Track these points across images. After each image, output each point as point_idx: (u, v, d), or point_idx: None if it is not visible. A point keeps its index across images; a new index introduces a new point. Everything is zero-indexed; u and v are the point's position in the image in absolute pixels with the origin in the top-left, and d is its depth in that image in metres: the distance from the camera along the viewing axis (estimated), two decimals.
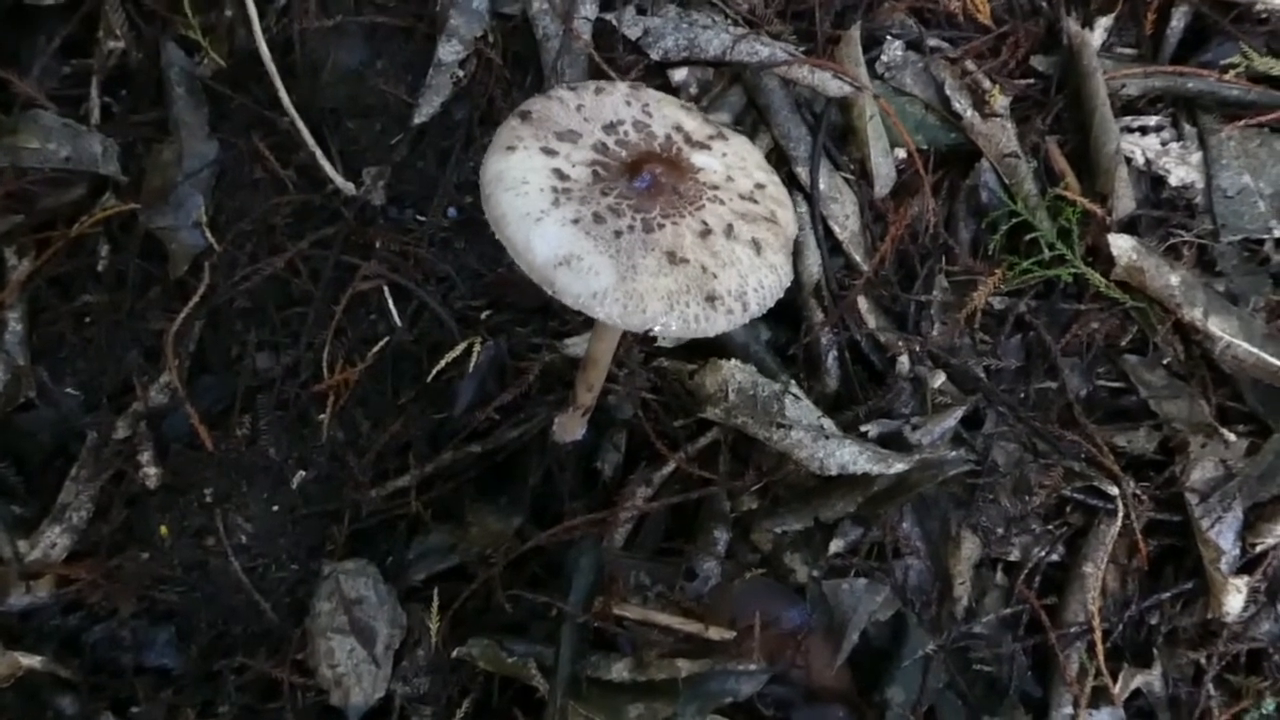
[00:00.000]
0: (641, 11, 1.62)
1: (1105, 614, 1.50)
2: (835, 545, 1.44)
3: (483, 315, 1.54)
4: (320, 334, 1.54)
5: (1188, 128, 1.66)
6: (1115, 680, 1.46)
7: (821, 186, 1.57)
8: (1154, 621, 1.52)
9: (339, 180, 1.57)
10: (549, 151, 1.01)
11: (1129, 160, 1.61)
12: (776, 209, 1.05)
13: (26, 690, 1.42)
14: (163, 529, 1.49)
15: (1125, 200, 1.57)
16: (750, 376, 1.43)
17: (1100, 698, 1.46)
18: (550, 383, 1.51)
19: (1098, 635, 1.46)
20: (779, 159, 1.59)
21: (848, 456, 1.38)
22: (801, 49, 1.60)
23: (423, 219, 1.58)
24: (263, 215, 1.58)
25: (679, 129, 1.08)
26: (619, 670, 1.35)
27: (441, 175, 1.59)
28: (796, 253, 1.52)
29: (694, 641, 1.37)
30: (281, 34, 1.61)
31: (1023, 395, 1.55)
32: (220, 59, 1.63)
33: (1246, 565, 1.50)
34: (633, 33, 1.60)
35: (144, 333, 1.57)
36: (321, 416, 1.51)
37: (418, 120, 1.59)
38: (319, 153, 1.57)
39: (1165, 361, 1.57)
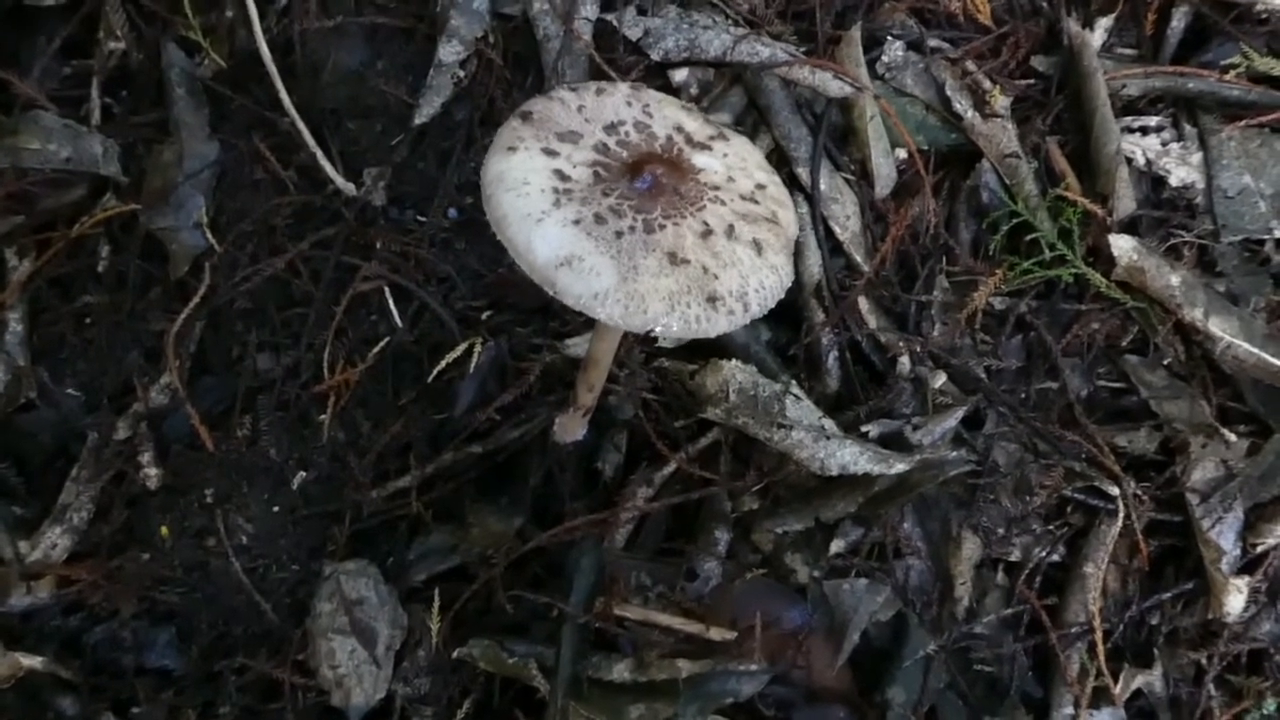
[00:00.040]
0: (642, 12, 1.62)
1: (1106, 614, 1.50)
2: (836, 545, 1.44)
3: (483, 316, 1.54)
4: (321, 335, 1.54)
5: (1188, 128, 1.66)
6: (1116, 680, 1.46)
7: (822, 187, 1.57)
8: (1155, 622, 1.52)
9: (340, 181, 1.57)
10: (550, 152, 1.01)
11: (1129, 160, 1.61)
12: (777, 209, 1.05)
13: (27, 691, 1.42)
14: (163, 530, 1.49)
15: (1126, 200, 1.57)
16: (751, 377, 1.43)
17: (1101, 698, 1.46)
18: (551, 383, 1.51)
19: (1098, 635, 1.46)
20: (780, 159, 1.59)
21: (848, 457, 1.39)
22: (802, 49, 1.60)
23: (423, 220, 1.58)
24: (263, 216, 1.58)
25: (680, 130, 1.08)
26: (620, 671, 1.35)
27: (442, 176, 1.59)
28: (797, 253, 1.52)
29: (695, 642, 1.37)
30: (282, 35, 1.61)
31: (1023, 395, 1.55)
32: (221, 60, 1.63)
33: (1247, 565, 1.50)
34: (633, 33, 1.60)
35: (145, 333, 1.57)
36: (322, 417, 1.51)
37: (418, 121, 1.59)
38: (319, 153, 1.57)
39: (1166, 362, 1.57)
